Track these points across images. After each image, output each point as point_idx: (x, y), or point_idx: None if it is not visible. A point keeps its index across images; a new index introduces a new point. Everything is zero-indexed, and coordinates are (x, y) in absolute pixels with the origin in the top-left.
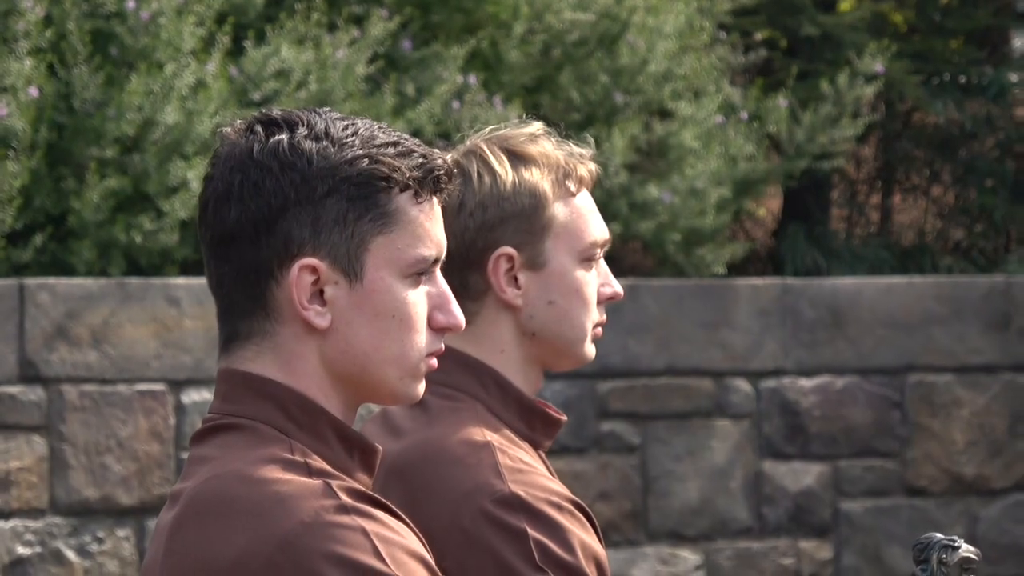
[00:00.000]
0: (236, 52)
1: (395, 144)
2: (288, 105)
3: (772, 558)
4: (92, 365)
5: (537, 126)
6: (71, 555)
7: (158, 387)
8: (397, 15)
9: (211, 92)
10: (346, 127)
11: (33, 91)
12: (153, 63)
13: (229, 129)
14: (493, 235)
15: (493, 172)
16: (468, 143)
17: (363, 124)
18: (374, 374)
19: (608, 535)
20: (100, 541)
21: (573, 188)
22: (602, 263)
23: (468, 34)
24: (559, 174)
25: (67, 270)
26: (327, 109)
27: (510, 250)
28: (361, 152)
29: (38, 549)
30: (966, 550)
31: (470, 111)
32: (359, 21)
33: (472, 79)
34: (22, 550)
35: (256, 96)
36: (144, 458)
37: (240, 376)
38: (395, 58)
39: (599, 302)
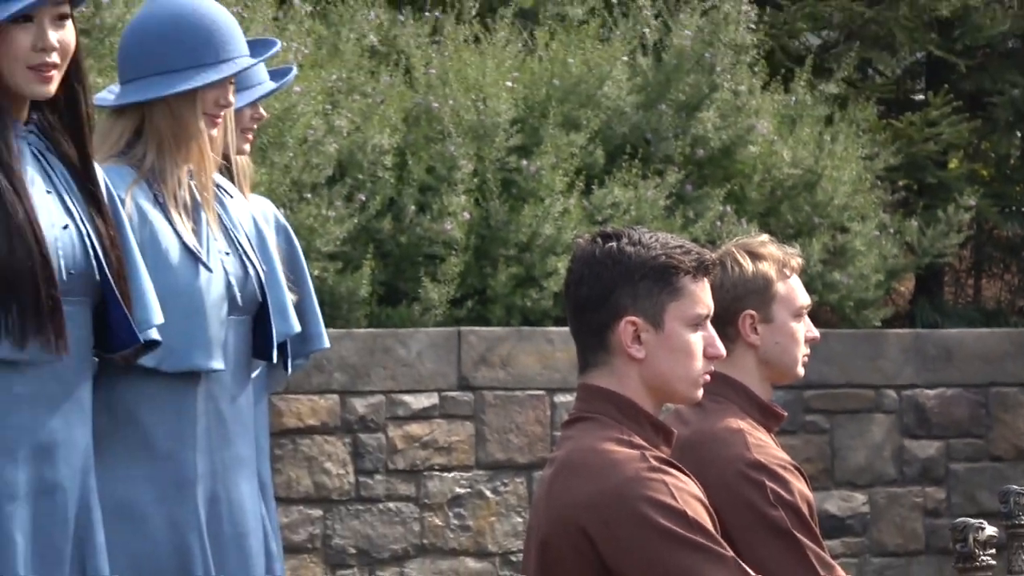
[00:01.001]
0: (587, 191)
1: (680, 247)
2: (617, 224)
3: (909, 498)
4: (501, 379)
5: (765, 237)
6: (488, 494)
7: (540, 393)
8: (683, 170)
9: (572, 216)
10: (651, 237)
11: (466, 215)
12: (537, 198)
13: (581, 240)
14: (740, 303)
15: (740, 264)
16: (724, 247)
17: (662, 235)
18: (671, 386)
19: (811, 484)
20: (505, 485)
21: (788, 273)
22: (806, 318)
23: (726, 181)
24: (779, 265)
25: (486, 322)
26: (640, 226)
27: (751, 312)
28: (661, 252)
29: (468, 490)
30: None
31: (726, 227)
32: (660, 173)
33: (728, 208)
34: (458, 490)
35: (598, 218)
36: (532, 436)
37: (591, 388)
38: (682, 195)
39: (805, 342)
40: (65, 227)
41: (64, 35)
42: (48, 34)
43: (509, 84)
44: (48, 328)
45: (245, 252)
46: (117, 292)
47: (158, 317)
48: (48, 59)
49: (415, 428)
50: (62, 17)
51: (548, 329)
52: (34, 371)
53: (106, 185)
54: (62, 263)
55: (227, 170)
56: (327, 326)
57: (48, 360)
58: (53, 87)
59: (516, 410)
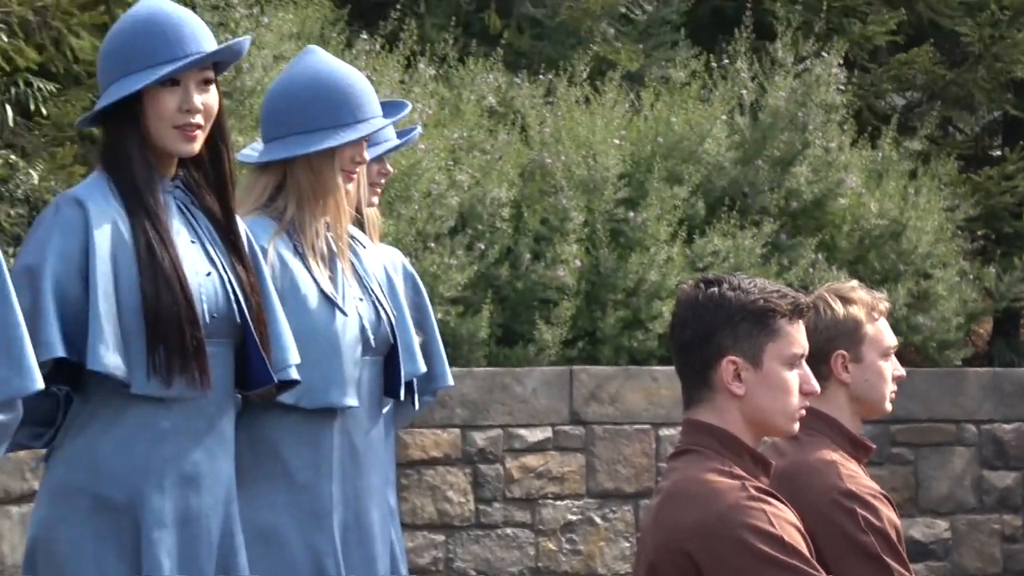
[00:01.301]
0: (689, 240)
1: (777, 291)
2: (717, 271)
3: (988, 525)
4: (610, 414)
5: (855, 282)
6: (598, 520)
7: (646, 427)
8: (778, 220)
9: (675, 264)
10: (750, 282)
11: (577, 262)
12: (643, 246)
13: (685, 285)
14: (832, 344)
15: (832, 308)
16: (817, 292)
17: (760, 280)
18: (770, 420)
19: (898, 512)
20: (614, 512)
21: (876, 316)
22: (893, 358)
23: (817, 230)
24: (868, 308)
25: (596, 361)
26: (738, 272)
27: (843, 352)
28: (759, 296)
29: (579, 517)
30: None
31: (818, 274)
32: (757, 223)
33: (820, 256)
34: (571, 517)
35: (700, 265)
36: (638, 467)
37: (695, 423)
38: (777, 244)
39: (892, 379)
40: (208, 274)
41: (208, 98)
42: (193, 97)
43: (617, 141)
44: (193, 367)
45: (377, 298)
46: (256, 335)
47: (294, 358)
48: (192, 120)
49: (530, 459)
50: (207, 82)
51: (653, 368)
52: (180, 407)
53: (247, 235)
54: (205, 307)
55: (358, 222)
56: (449, 365)
57: (193, 397)
58: (197, 146)
59: (624, 443)
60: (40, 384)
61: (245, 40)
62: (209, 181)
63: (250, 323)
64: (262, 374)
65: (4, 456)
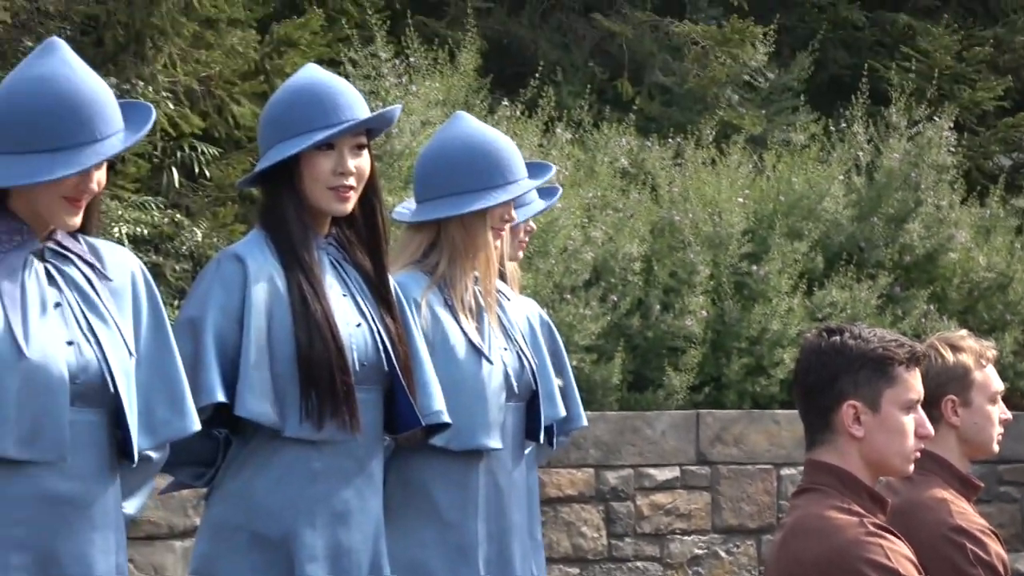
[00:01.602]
0: (809, 292)
1: (895, 340)
2: (836, 321)
3: None
4: (734, 455)
5: (964, 331)
6: (723, 555)
7: (768, 466)
8: (892, 273)
9: (796, 314)
10: (870, 331)
11: (704, 313)
12: (766, 298)
13: (809, 334)
14: (942, 389)
15: (942, 355)
16: (929, 340)
17: (879, 330)
18: (887, 461)
19: (1005, 547)
20: (738, 547)
21: (984, 363)
22: (1000, 402)
23: (929, 283)
24: (977, 356)
25: (721, 405)
26: (858, 322)
27: (953, 397)
28: (878, 345)
29: (705, 551)
30: None
31: (930, 324)
32: (872, 276)
33: (931, 307)
34: (697, 551)
35: (819, 315)
36: (760, 504)
37: (817, 463)
38: (891, 295)
39: (999, 423)
40: (358, 325)
41: (360, 162)
42: (347, 160)
43: (741, 200)
44: (343, 411)
45: (521, 347)
46: (403, 381)
47: (439, 404)
48: (346, 182)
49: (660, 497)
50: (359, 147)
51: (775, 411)
52: (331, 449)
53: (395, 289)
54: (355, 356)
55: (501, 275)
56: (584, 409)
57: (343, 439)
58: (350, 206)
59: (747, 482)
60: (197, 426)
61: (396, 108)
62: (361, 238)
63: (397, 370)
64: (409, 418)
65: (165, 493)
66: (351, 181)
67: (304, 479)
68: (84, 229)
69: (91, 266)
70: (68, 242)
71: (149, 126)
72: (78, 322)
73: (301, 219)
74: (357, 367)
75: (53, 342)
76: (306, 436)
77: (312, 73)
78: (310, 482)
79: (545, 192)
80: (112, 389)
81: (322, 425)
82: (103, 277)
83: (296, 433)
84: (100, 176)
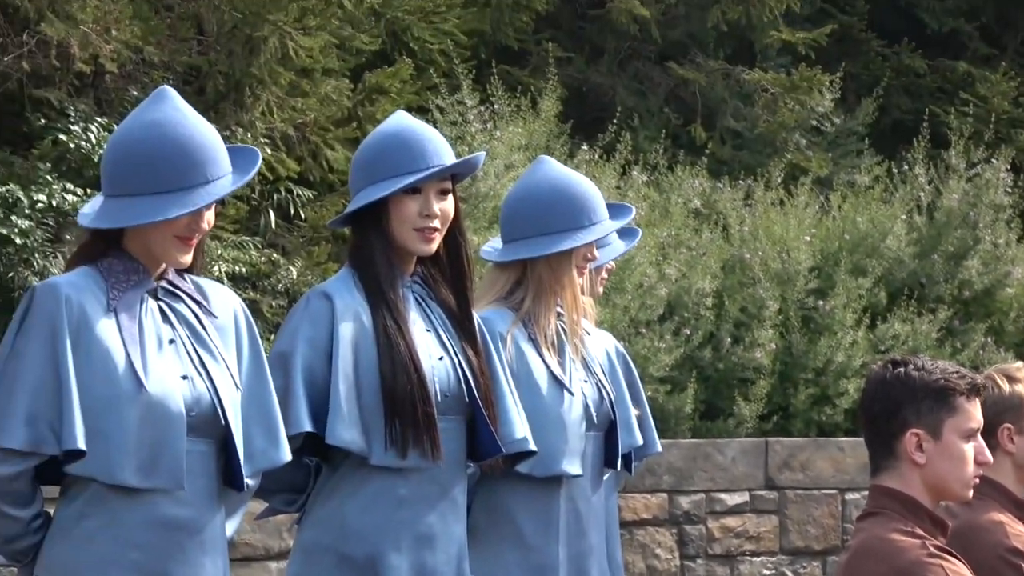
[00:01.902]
0: (872, 326)
1: (957, 372)
2: (899, 353)
3: None
4: (800, 480)
5: (1020, 363)
6: (790, 575)
7: (833, 491)
8: (951, 308)
9: (859, 347)
10: (932, 363)
11: (772, 346)
12: (831, 331)
13: (875, 365)
14: (999, 418)
15: (999, 386)
16: (986, 371)
17: (941, 362)
18: (948, 487)
19: None
20: (804, 568)
21: None
22: None
23: (987, 317)
24: None
25: (788, 433)
26: (921, 355)
27: (1009, 425)
28: (940, 376)
29: (773, 572)
30: None
31: (987, 355)
32: (933, 311)
33: (989, 339)
34: (766, 572)
35: (881, 348)
36: (826, 527)
37: (881, 488)
38: (950, 329)
39: None
40: (441, 358)
41: (445, 205)
42: (432, 204)
43: (808, 238)
44: (425, 440)
45: (599, 380)
46: (484, 412)
47: (520, 432)
48: (431, 224)
49: (730, 520)
50: (444, 191)
51: (840, 439)
52: (416, 476)
53: (479, 324)
54: (438, 387)
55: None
56: (658, 436)
57: (426, 467)
58: (434, 246)
59: (813, 506)
60: (289, 456)
61: (480, 155)
62: (446, 276)
63: (479, 401)
64: (490, 446)
65: (261, 519)
66: (436, 223)
67: (391, 505)
68: (189, 268)
69: (198, 303)
70: (178, 281)
71: (256, 169)
72: (190, 357)
73: (388, 258)
74: (439, 398)
75: (170, 376)
76: (391, 463)
77: (401, 120)
78: (396, 508)
79: (625, 233)
80: (223, 421)
81: (406, 453)
82: (209, 314)
83: (381, 461)
84: (210, 216)
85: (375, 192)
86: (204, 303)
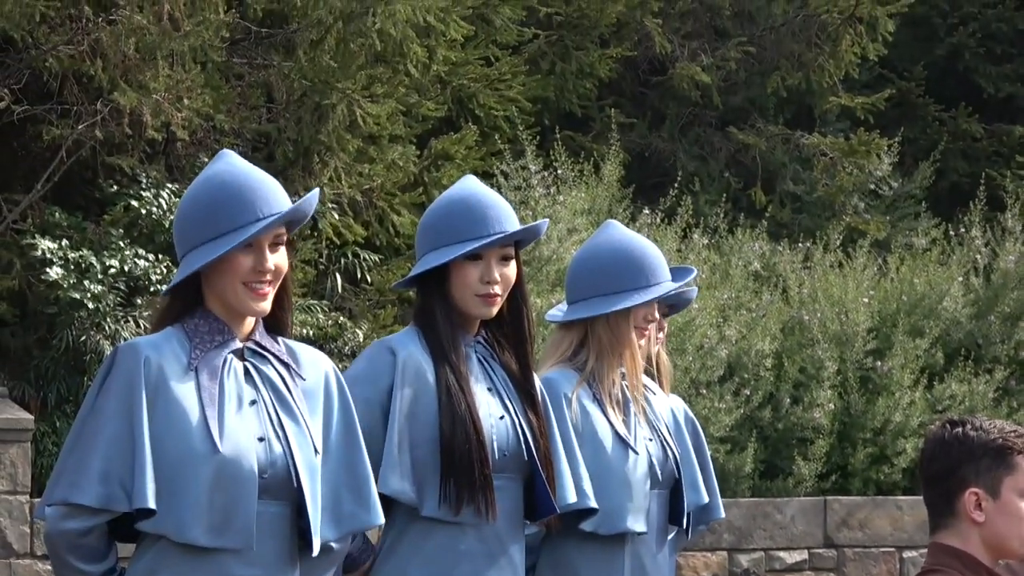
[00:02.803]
0: (929, 386)
1: (1015, 431)
2: (956, 412)
3: None
4: (859, 539)
5: None
6: None
7: (891, 549)
8: (1008, 368)
9: (917, 407)
10: (990, 423)
11: (831, 406)
12: (889, 391)
13: (933, 426)
14: None
15: None
16: None
17: (998, 422)
18: (1007, 544)
19: None
20: None
21: None
22: None
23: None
24: None
25: (847, 492)
26: (979, 414)
27: None
28: (998, 436)
29: None
30: None
31: None
32: (989, 371)
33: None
34: None
35: (939, 408)
36: None
37: (941, 546)
38: (1007, 388)
39: None
40: (501, 417)
41: (506, 271)
42: (493, 270)
43: (866, 300)
44: (480, 498)
45: (664, 439)
46: (543, 473)
47: (572, 495)
48: (492, 290)
49: None
50: (506, 257)
51: (898, 498)
52: (475, 532)
53: (539, 386)
54: (496, 446)
55: (648, 371)
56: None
57: (481, 524)
58: (495, 310)
59: (871, 563)
60: (381, 519)
61: (543, 223)
62: (508, 339)
63: (537, 462)
64: (546, 506)
65: None
66: (497, 289)
67: (452, 560)
68: (280, 331)
69: (287, 366)
70: (266, 342)
71: (309, 198)
72: (271, 419)
73: (450, 320)
74: (497, 456)
75: (246, 437)
76: (442, 518)
77: (468, 185)
78: (457, 562)
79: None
80: (296, 483)
81: (459, 510)
82: (297, 376)
83: (433, 514)
84: (278, 260)
85: (438, 258)
86: (293, 365)
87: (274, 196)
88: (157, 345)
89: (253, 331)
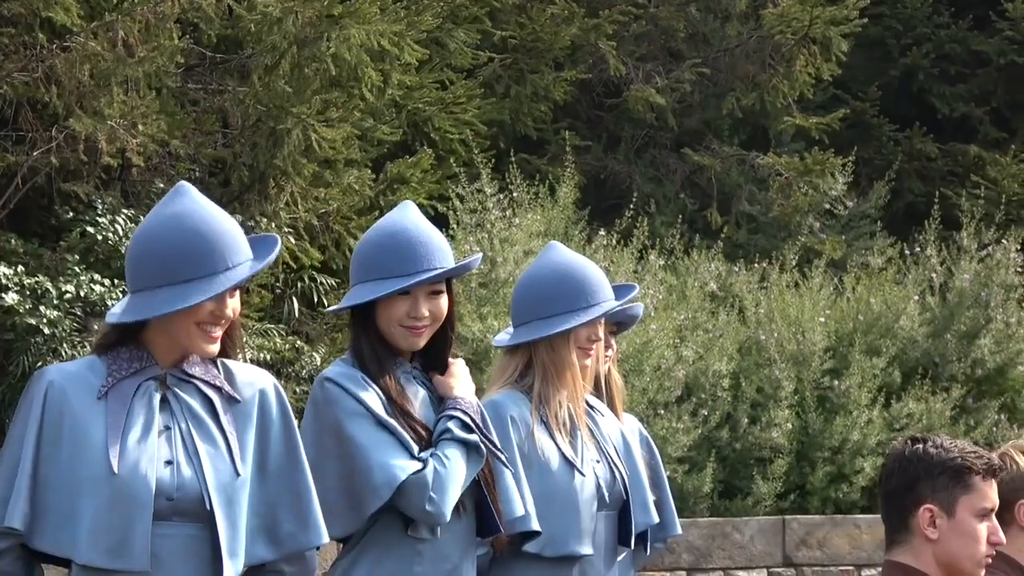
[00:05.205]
0: (886, 405)
1: (975, 452)
2: (913, 431)
3: None
4: (818, 557)
5: None
6: None
7: (849, 568)
8: (964, 386)
9: (875, 425)
10: (951, 442)
11: (788, 425)
12: (846, 410)
13: (896, 441)
14: (1015, 494)
15: (1016, 462)
16: (1001, 448)
17: (960, 442)
18: (959, 565)
19: None
20: None
21: None
22: None
23: (1000, 395)
24: None
25: (805, 511)
26: (934, 434)
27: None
28: (958, 455)
29: None
30: None
31: (1000, 432)
32: (946, 389)
33: (1002, 416)
34: None
35: (896, 426)
36: None
37: (893, 563)
38: (964, 406)
39: None
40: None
41: (434, 306)
42: (421, 306)
43: (822, 320)
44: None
45: (612, 459)
46: (487, 492)
47: (519, 510)
48: (418, 324)
49: None
50: (435, 292)
51: (856, 516)
52: (431, 552)
53: (481, 409)
54: None
55: (596, 391)
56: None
57: (434, 539)
58: (422, 342)
59: None
60: (325, 538)
61: (475, 259)
62: (433, 367)
63: (481, 482)
64: (493, 525)
65: None
66: (424, 323)
67: None
68: (224, 353)
69: (218, 388)
70: (194, 369)
71: (275, 253)
72: (184, 443)
73: (376, 351)
74: None
75: (147, 461)
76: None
77: (401, 217)
78: None
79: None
80: (208, 507)
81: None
82: (231, 399)
83: (415, 532)
84: (234, 304)
85: (366, 293)
86: (226, 387)
87: (237, 244)
88: (67, 372)
89: (181, 359)
